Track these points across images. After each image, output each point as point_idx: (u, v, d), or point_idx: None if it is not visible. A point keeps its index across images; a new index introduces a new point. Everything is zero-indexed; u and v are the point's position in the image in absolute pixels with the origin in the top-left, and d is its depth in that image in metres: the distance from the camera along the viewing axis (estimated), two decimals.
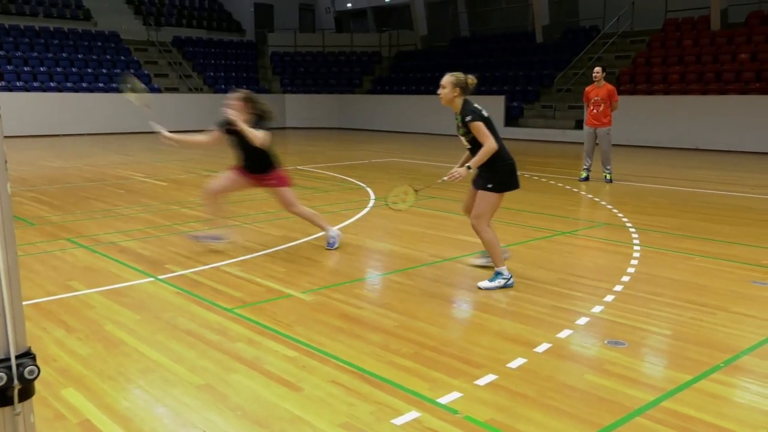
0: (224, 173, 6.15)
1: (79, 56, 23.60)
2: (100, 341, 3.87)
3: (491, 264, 5.23)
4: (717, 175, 12.07)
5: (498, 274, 5.00)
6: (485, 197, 5.04)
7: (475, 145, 4.98)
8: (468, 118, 4.91)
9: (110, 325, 4.13)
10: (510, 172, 5.10)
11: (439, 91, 5.04)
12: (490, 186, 5.01)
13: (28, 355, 1.44)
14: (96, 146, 17.64)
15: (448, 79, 5.01)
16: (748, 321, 4.25)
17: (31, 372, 1.43)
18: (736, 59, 17.72)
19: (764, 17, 18.48)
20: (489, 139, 4.88)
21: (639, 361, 3.61)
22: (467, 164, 5.03)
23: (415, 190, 5.60)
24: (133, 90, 6.12)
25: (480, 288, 4.96)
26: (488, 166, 4.95)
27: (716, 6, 18.76)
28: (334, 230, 6.30)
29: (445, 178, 5.07)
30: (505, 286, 4.96)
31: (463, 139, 5.12)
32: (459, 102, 5.02)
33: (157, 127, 5.80)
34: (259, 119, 5.82)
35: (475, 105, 5.02)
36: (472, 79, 5.05)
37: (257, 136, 5.69)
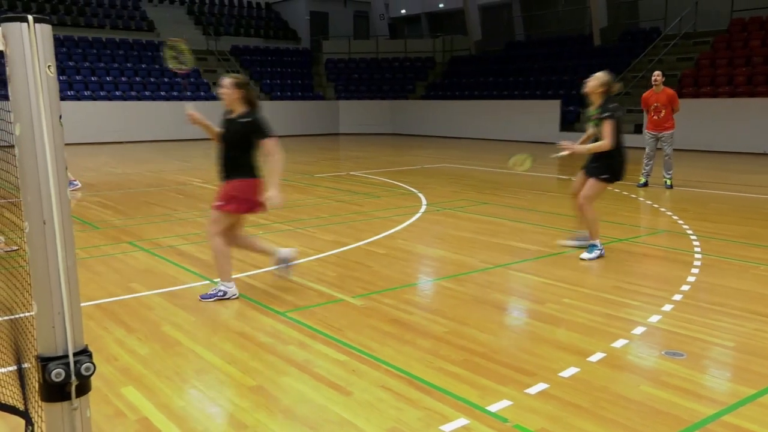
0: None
1: (143, 66, 24.48)
2: (158, 342, 4.00)
3: (580, 244, 6.24)
4: None
5: (593, 246, 6.00)
6: (597, 184, 6.02)
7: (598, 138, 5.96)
8: (604, 115, 5.84)
9: (168, 326, 4.26)
10: (621, 168, 6.05)
11: (589, 80, 6.08)
12: (604, 177, 5.98)
13: (85, 353, 1.51)
14: (157, 153, 18.24)
15: (600, 75, 6.04)
16: None
17: (87, 369, 1.50)
18: None
19: None
20: (608, 139, 5.81)
21: (698, 373, 3.49)
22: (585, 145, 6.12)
23: (533, 159, 6.67)
24: (178, 54, 5.51)
25: (582, 259, 5.92)
26: (606, 159, 5.90)
27: None
28: (230, 286, 4.90)
29: (562, 150, 6.04)
30: (600, 256, 5.94)
31: (590, 126, 6.15)
32: (598, 99, 5.98)
33: (191, 109, 5.05)
34: (253, 108, 4.88)
35: (612, 105, 5.92)
36: (617, 86, 6.10)
37: (280, 157, 4.79)
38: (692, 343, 3.93)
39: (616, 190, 10.38)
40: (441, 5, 30.25)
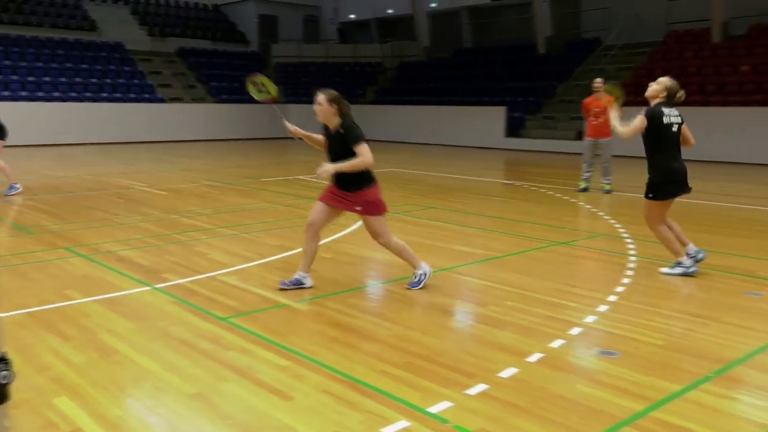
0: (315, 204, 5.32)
1: (84, 66, 23.76)
2: (95, 350, 3.89)
3: (677, 272, 5.64)
4: (716, 186, 12.07)
5: (677, 264, 5.63)
6: (647, 205, 5.77)
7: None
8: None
9: (105, 334, 4.15)
10: (668, 180, 5.62)
11: (652, 83, 5.89)
12: (650, 195, 5.66)
13: (2, 361, 1.47)
14: (99, 156, 17.74)
15: (664, 80, 5.85)
16: (740, 332, 4.25)
17: (4, 377, 1.45)
18: (737, 71, 17.74)
19: (765, 29, 18.53)
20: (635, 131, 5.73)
21: (630, 371, 3.61)
22: None
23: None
24: (259, 86, 5.87)
25: (661, 273, 5.67)
26: (650, 172, 5.67)
27: (717, 18, 18.82)
28: (426, 267, 5.32)
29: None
30: (685, 274, 5.56)
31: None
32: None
33: (290, 126, 5.39)
34: (349, 122, 5.02)
35: (662, 108, 5.69)
36: (681, 94, 5.89)
37: (362, 161, 4.90)
38: (626, 342, 4.07)
39: (558, 195, 10.66)
40: (390, 11, 30.46)
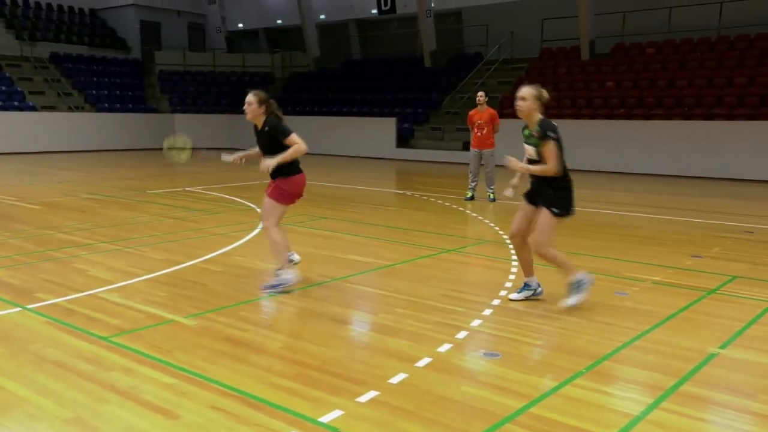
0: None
1: None
2: None
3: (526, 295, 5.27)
4: (588, 194, 12.94)
5: (578, 283, 5.01)
6: (550, 224, 4.95)
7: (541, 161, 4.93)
8: (548, 135, 4.83)
9: None
10: (571, 191, 5.05)
11: (518, 99, 4.92)
12: (557, 211, 4.94)
13: None
14: None
15: (527, 89, 4.93)
16: (609, 329, 4.60)
17: None
18: (603, 87, 19.17)
19: (626, 49, 20.16)
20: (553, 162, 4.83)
21: (511, 371, 3.81)
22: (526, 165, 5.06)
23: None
24: (177, 147, 6.30)
25: (511, 300, 5.25)
26: (555, 186, 4.93)
27: (585, 38, 20.25)
28: (289, 274, 5.52)
29: (511, 182, 5.47)
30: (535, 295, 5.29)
31: (531, 149, 4.99)
32: (535, 116, 4.92)
33: (229, 157, 5.84)
34: (277, 119, 5.48)
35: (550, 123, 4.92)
36: (547, 96, 4.98)
37: (298, 149, 5.38)
38: (507, 343, 4.28)
39: (446, 204, 11.02)
40: (279, 21, 30.26)
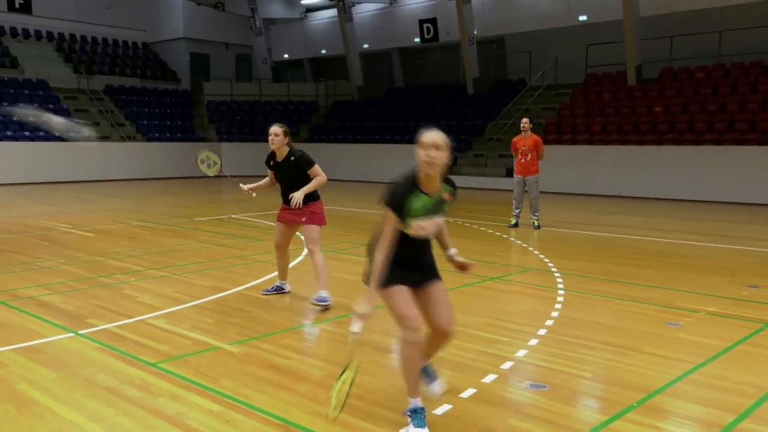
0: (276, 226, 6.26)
1: (4, 104, 22.86)
2: (11, 401, 3.68)
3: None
4: (636, 221, 12.66)
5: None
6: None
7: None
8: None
9: (23, 385, 3.94)
10: None
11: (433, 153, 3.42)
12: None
13: None
14: (19, 196, 16.98)
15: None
16: (661, 361, 4.45)
17: None
18: (651, 112, 18.85)
19: (674, 73, 19.81)
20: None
21: (559, 404, 3.71)
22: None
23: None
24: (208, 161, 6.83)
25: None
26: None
27: (631, 63, 20.01)
28: (326, 293, 5.86)
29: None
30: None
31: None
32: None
33: (244, 187, 6.32)
34: (298, 150, 5.98)
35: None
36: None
37: (321, 180, 5.92)
38: (554, 375, 4.18)
39: (489, 231, 10.92)
40: (323, 51, 30.87)
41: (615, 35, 20.32)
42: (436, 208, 3.39)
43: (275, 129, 5.88)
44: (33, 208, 14.09)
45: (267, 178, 6.28)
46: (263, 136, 28.13)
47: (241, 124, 28.01)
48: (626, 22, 19.69)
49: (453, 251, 3.78)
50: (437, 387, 3.67)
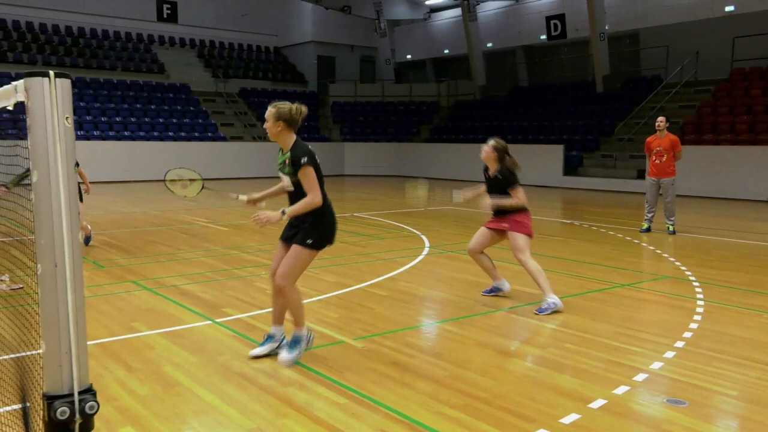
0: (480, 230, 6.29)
1: (152, 107, 24.91)
2: (158, 382, 4.00)
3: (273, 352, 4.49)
4: None
5: (296, 341, 4.40)
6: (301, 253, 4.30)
7: (299, 191, 4.29)
8: (304, 160, 4.23)
9: (168, 367, 4.27)
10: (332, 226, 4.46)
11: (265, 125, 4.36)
12: (309, 242, 4.30)
13: (89, 392, 1.54)
14: (164, 192, 18.39)
15: (270, 110, 4.34)
16: None
17: (91, 407, 1.53)
18: None
19: None
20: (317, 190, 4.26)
21: (700, 422, 3.46)
22: (282, 209, 4.28)
23: (203, 187, 4.97)
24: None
25: (282, 362, 4.29)
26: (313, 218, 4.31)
27: None
28: (555, 297, 5.72)
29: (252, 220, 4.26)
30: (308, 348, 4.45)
31: (286, 179, 4.37)
32: (287, 139, 4.36)
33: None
34: (508, 170, 5.95)
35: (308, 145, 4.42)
36: (298, 109, 4.42)
37: (520, 200, 5.89)
38: (694, 391, 3.90)
39: (619, 235, 10.41)
40: (446, 51, 30.85)
41: (765, 26, 18.64)
42: (282, 166, 4.40)
43: (489, 143, 6.06)
44: (175, 203, 15.23)
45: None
46: (384, 136, 28.65)
47: (364, 124, 28.67)
48: None
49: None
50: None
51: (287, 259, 4.34)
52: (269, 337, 4.53)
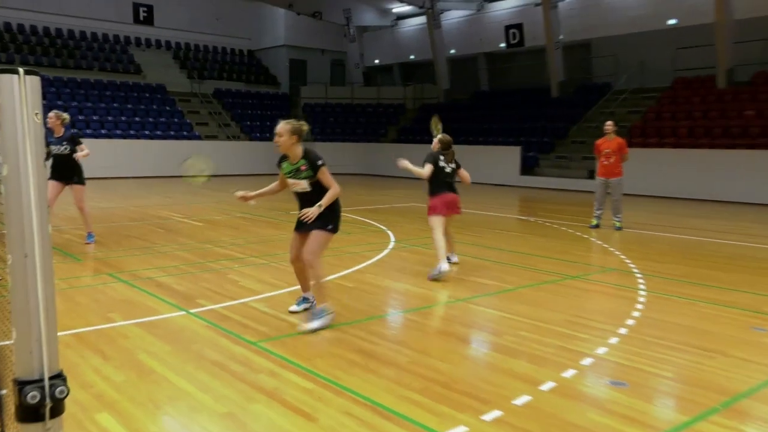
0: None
1: (129, 106, 24.42)
2: (133, 369, 3.96)
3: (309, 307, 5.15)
4: (722, 224, 11.93)
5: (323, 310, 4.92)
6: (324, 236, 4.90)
7: (317, 189, 4.87)
8: (320, 162, 4.86)
9: (143, 355, 4.22)
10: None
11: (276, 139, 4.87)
12: (330, 227, 4.92)
13: (59, 377, 1.53)
14: (141, 188, 18.10)
15: (284, 127, 4.84)
16: (746, 365, 4.19)
17: (61, 392, 1.52)
18: (742, 116, 17.66)
19: None
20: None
21: (639, 402, 3.57)
22: (318, 203, 4.80)
23: (208, 177, 5.64)
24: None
25: (309, 329, 4.77)
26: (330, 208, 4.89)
27: (722, 66, 18.82)
28: (445, 265, 6.60)
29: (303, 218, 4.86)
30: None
31: (303, 182, 4.89)
32: (297, 149, 4.89)
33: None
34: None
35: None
36: (305, 125, 4.98)
37: (423, 172, 6.91)
38: (635, 373, 4.03)
39: (570, 231, 10.61)
40: (412, 56, 30.94)
41: (705, 38, 19.16)
42: (296, 172, 4.90)
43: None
44: (152, 199, 15.00)
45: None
46: (353, 136, 28.54)
47: (335, 125, 28.59)
48: (718, 25, 18.52)
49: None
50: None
51: (313, 242, 4.88)
52: (304, 299, 5.26)
